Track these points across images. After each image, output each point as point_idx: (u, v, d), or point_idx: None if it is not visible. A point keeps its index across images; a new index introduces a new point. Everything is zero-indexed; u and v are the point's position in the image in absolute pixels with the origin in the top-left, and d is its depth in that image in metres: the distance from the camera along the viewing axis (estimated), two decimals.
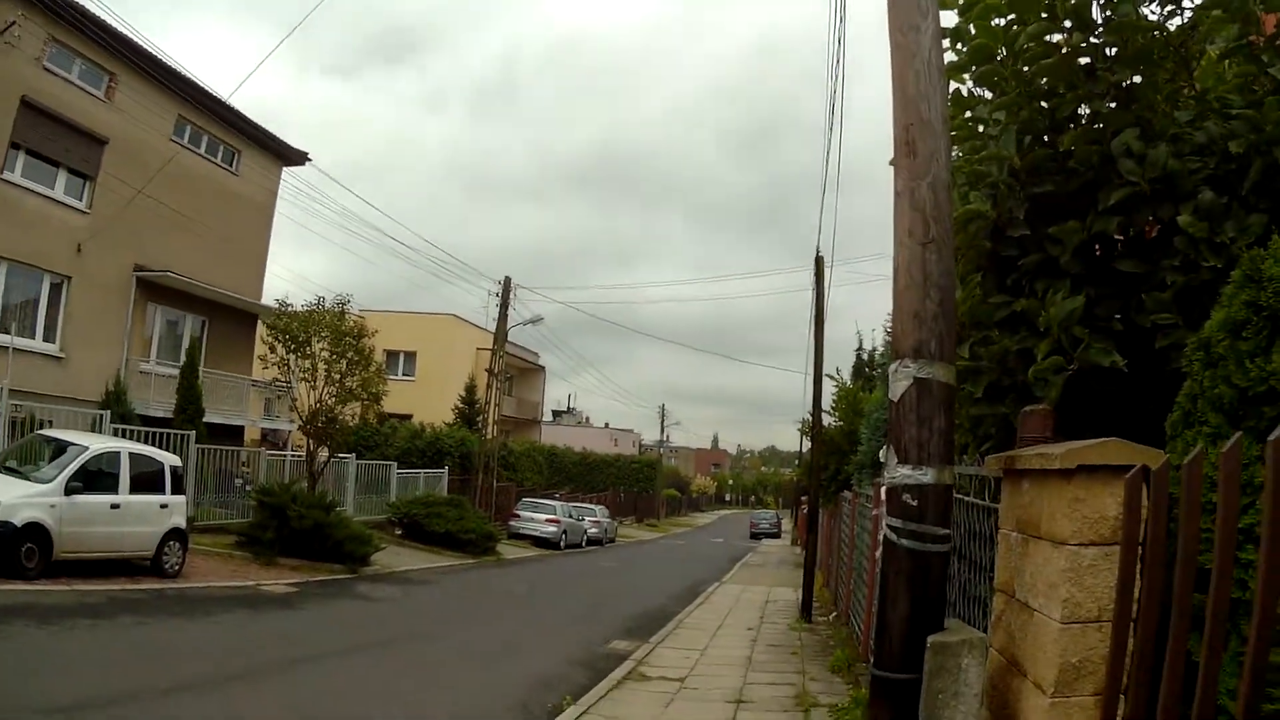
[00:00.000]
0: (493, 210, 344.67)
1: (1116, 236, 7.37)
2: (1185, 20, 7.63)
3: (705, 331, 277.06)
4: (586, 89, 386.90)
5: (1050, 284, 7.04)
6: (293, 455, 35.47)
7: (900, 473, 6.15)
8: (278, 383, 31.70)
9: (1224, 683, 3.82)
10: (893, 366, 6.46)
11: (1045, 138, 7.67)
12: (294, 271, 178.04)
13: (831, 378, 30.15)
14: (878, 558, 7.73)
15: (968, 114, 8.35)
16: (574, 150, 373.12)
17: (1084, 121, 7.56)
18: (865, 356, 42.92)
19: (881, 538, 6.48)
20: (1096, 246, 7.37)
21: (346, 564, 27.51)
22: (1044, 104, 7.69)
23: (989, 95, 8.16)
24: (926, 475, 6.07)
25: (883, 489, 7.14)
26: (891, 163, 6.70)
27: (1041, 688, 4.93)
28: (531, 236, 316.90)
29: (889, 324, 18.04)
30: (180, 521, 22.18)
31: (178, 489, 22.45)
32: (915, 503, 6.08)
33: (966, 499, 7.77)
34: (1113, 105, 7.39)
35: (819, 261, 28.99)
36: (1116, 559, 4.66)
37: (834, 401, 30.14)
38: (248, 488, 31.46)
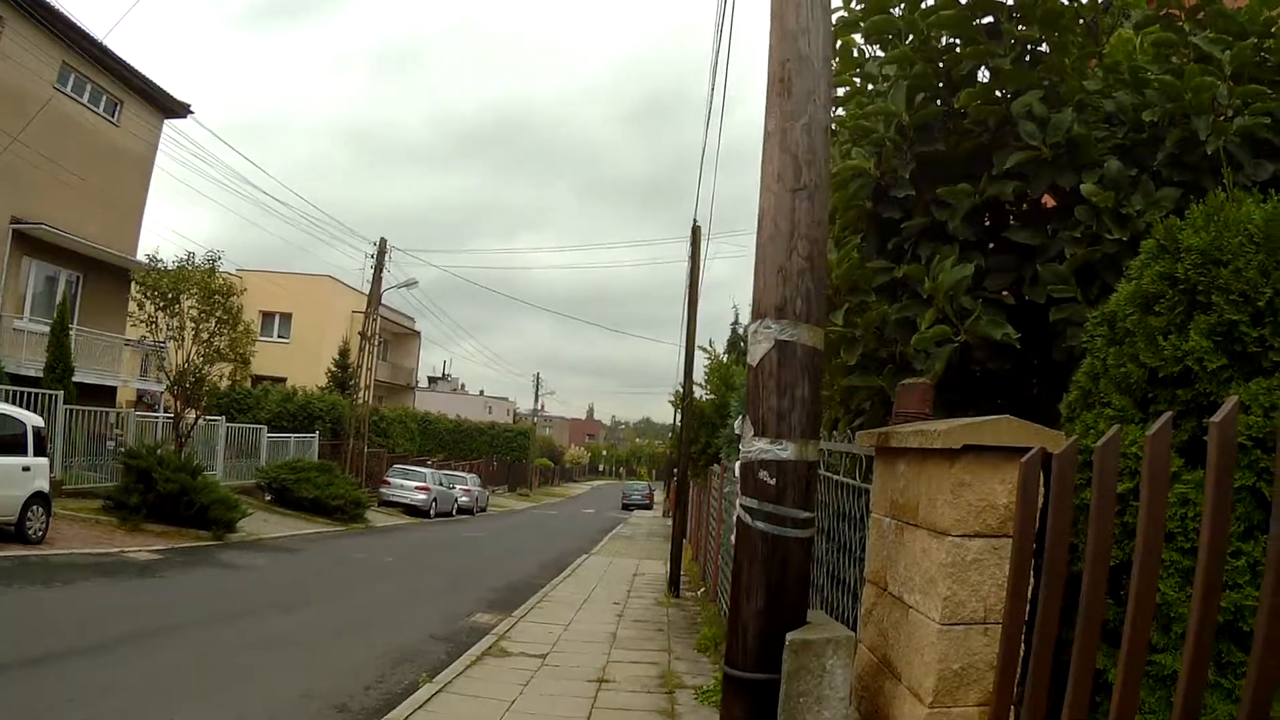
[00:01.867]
0: (385, 175, 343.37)
1: (1010, 205, 7.01)
2: None
3: (585, 302, 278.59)
4: (487, 56, 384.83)
5: (936, 250, 6.58)
6: (164, 417, 34.38)
7: (756, 447, 5.49)
8: (145, 340, 30.74)
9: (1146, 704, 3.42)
10: (752, 327, 5.77)
11: (939, 99, 7.23)
12: (176, 231, 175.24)
13: (704, 350, 29.89)
14: (731, 540, 7.14)
15: (856, 73, 7.89)
16: (469, 117, 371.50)
17: (983, 82, 7.11)
18: (740, 331, 42.66)
19: (735, 520, 5.75)
20: (987, 215, 6.97)
21: (213, 530, 26.71)
22: (940, 63, 7.24)
23: (881, 54, 7.71)
24: (786, 450, 5.40)
25: (735, 465, 6.55)
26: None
27: (918, 695, 4.42)
28: (421, 202, 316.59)
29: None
30: (44, 485, 21.23)
31: (40, 451, 21.44)
32: (773, 481, 5.41)
33: (836, 478, 7.24)
34: (1016, 65, 6.95)
35: (695, 230, 28.63)
36: (1006, 553, 4.19)
37: (706, 374, 29.87)
38: (120, 450, 30.25)
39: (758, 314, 5.63)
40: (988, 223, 6.98)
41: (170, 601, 17.25)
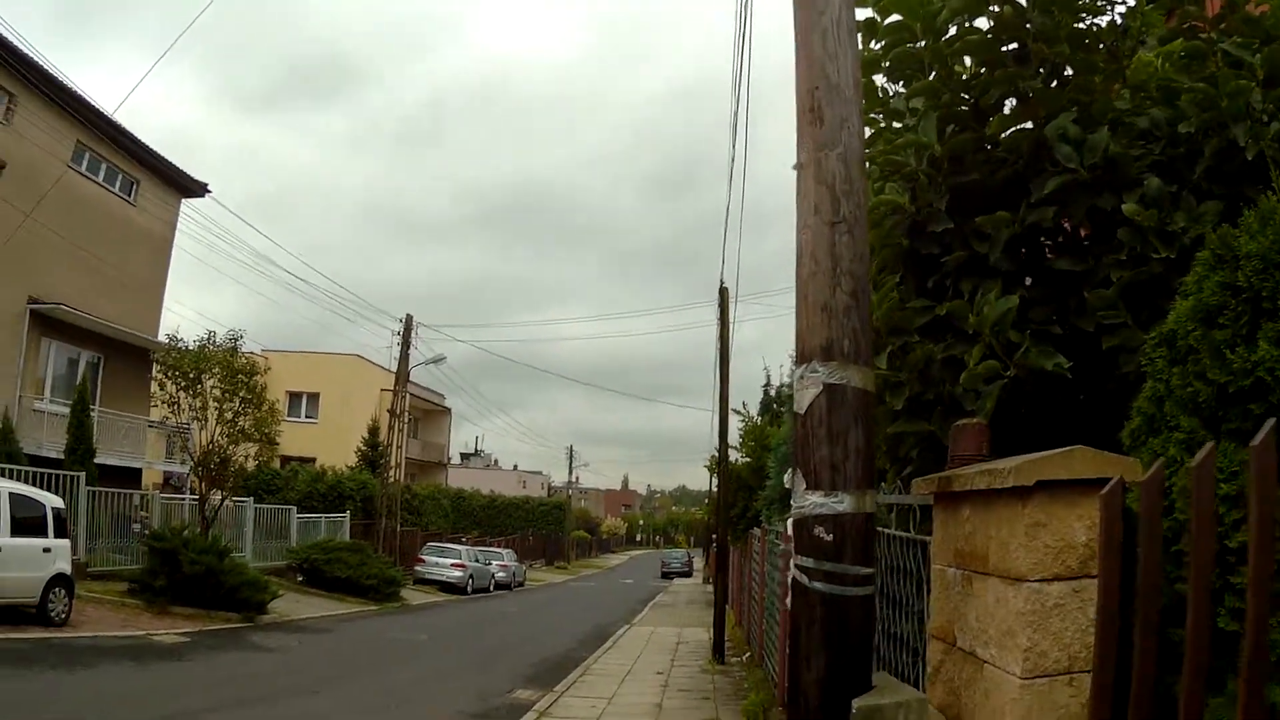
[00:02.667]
0: (408, 251, 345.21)
1: (1046, 235, 6.71)
2: (1115, 22, 6.96)
3: (615, 372, 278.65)
4: (507, 130, 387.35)
5: (978, 284, 6.28)
6: (191, 499, 33.94)
7: (810, 501, 5.07)
8: (168, 422, 30.53)
9: None
10: (797, 373, 5.39)
11: (969, 129, 6.92)
12: (201, 312, 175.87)
13: (738, 413, 29.66)
14: (788, 604, 6.67)
15: (879, 112, 7.60)
16: (492, 191, 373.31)
17: (1014, 108, 6.82)
18: (773, 393, 42.34)
19: (790, 580, 5.38)
20: (1022, 248, 6.65)
21: (242, 612, 26.39)
22: (967, 93, 6.96)
23: (903, 91, 7.43)
24: (842, 503, 5.00)
25: (788, 523, 6.13)
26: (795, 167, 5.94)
27: None
28: (446, 278, 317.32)
29: (793, 378, 17.24)
30: (65, 567, 21.06)
31: (61, 532, 21.33)
32: (830, 537, 5.00)
33: (888, 531, 6.83)
34: (1046, 86, 6.66)
35: (723, 292, 28.35)
36: (1088, 595, 3.82)
37: (741, 437, 29.55)
38: (145, 533, 29.94)
39: (803, 357, 5.28)
40: (1023, 253, 6.67)
41: (196, 685, 16.92)
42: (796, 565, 5.12)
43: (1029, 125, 6.63)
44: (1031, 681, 3.88)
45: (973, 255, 6.49)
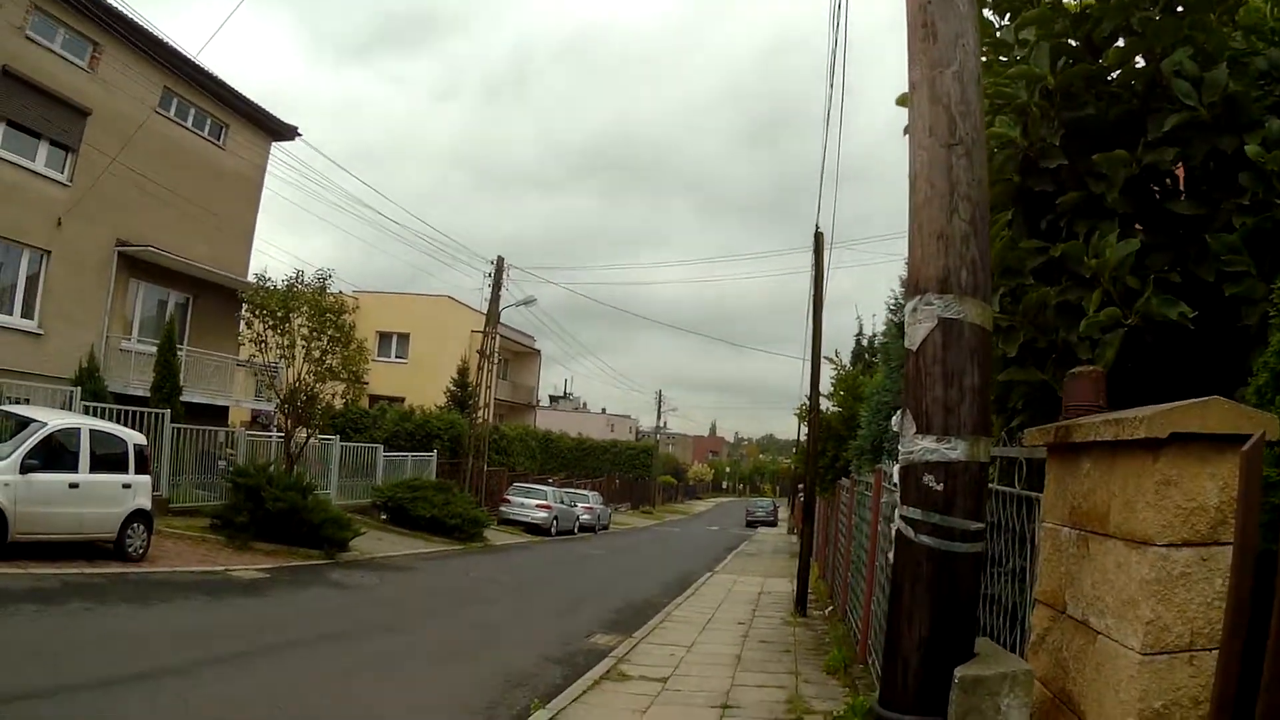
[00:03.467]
0: (500, 198, 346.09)
1: (1160, 183, 6.28)
2: None
3: (706, 319, 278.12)
4: (598, 79, 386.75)
5: (1094, 226, 5.88)
6: (277, 437, 33.93)
7: (920, 446, 4.68)
8: (254, 360, 30.55)
9: None
10: (910, 305, 4.98)
11: (1082, 60, 6.48)
12: (295, 255, 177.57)
13: (831, 360, 29.21)
14: (882, 559, 6.19)
15: (987, 42, 7.15)
16: (583, 139, 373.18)
17: (1132, 38, 6.35)
18: (865, 342, 41.68)
19: (894, 532, 4.91)
20: (1138, 190, 6.22)
21: (324, 549, 26.38)
22: (1078, 26, 6.51)
23: (1011, 24, 7.00)
24: (956, 450, 4.58)
25: (894, 470, 5.65)
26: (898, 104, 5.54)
27: None
28: (538, 225, 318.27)
29: (893, 298, 16.77)
30: (145, 503, 21.14)
31: (142, 469, 21.37)
32: (940, 486, 4.58)
33: (991, 485, 6.46)
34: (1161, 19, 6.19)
35: (818, 237, 27.72)
36: (1216, 565, 3.44)
37: (833, 385, 29.11)
38: (230, 469, 29.97)
39: (915, 289, 4.89)
40: (1141, 196, 6.24)
41: (271, 621, 16.93)
42: (902, 516, 4.73)
43: (1142, 62, 6.28)
44: (1152, 658, 3.51)
45: (1088, 195, 6.10)
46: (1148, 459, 3.59)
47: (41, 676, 11.00)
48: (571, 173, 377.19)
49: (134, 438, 21.61)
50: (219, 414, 36.59)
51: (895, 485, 5.04)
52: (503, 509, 47.80)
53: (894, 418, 5.29)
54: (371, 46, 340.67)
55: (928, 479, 4.63)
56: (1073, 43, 6.55)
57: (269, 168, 40.62)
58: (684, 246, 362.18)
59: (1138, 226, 6.17)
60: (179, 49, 33.11)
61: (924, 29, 4.93)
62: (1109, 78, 6.39)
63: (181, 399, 30.82)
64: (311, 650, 14.71)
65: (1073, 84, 6.36)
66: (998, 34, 7.18)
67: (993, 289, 6.16)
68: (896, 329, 15.77)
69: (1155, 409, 3.62)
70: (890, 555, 4.94)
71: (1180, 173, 6.43)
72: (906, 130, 5.07)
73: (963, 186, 4.78)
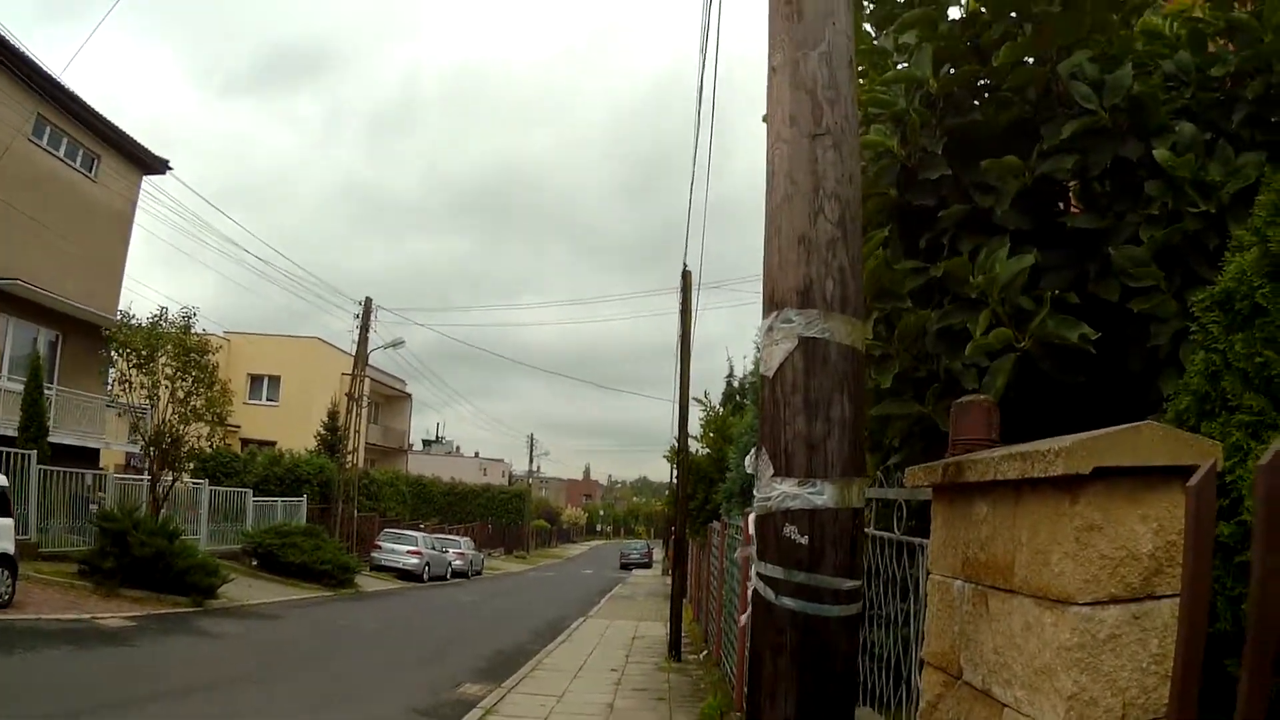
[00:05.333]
0: (382, 239, 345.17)
1: (1054, 196, 5.83)
2: None
3: (580, 362, 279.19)
4: (481, 120, 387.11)
5: (981, 244, 5.33)
6: (147, 480, 32.95)
7: (779, 491, 3.96)
8: (119, 400, 29.63)
9: None
10: (765, 323, 4.26)
11: (968, 63, 6.01)
12: (169, 297, 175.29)
13: (700, 401, 28.81)
14: (743, 622, 5.40)
15: (863, 63, 6.65)
16: (465, 180, 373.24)
17: (1024, 37, 5.88)
18: (735, 384, 41.50)
19: (750, 593, 4.20)
20: (1031, 204, 5.74)
21: (191, 596, 25.60)
22: (964, 29, 6.04)
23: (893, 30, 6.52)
24: (823, 494, 3.89)
25: (748, 519, 4.85)
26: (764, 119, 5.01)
27: None
28: (415, 265, 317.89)
29: (758, 337, 16.31)
30: (9, 546, 20.19)
31: (4, 511, 20.51)
32: (805, 539, 3.89)
33: (866, 530, 5.85)
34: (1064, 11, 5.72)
35: (686, 275, 27.47)
36: (1150, 623, 2.88)
37: (702, 427, 28.74)
38: (98, 514, 29.15)
39: (772, 304, 4.19)
40: (1034, 209, 5.76)
41: (136, 672, 16.12)
42: (760, 574, 4.02)
43: (1035, 64, 5.79)
44: None
45: (974, 210, 5.59)
46: (1063, 500, 2.99)
47: None
48: (452, 214, 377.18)
49: None
50: (90, 456, 35.53)
51: (747, 537, 4.36)
52: (374, 555, 47.14)
53: (747, 458, 4.51)
54: (258, 82, 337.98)
55: (789, 530, 3.93)
56: (962, 45, 6.08)
57: (141, 203, 39.75)
58: (562, 290, 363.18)
59: (1028, 245, 5.69)
60: (51, 74, 32.03)
61: (787, 5, 4.30)
62: (998, 84, 5.90)
63: (50, 440, 29.70)
64: (173, 703, 14.06)
65: (958, 88, 5.89)
66: (875, 42, 6.71)
67: (867, 312, 5.55)
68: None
69: (1074, 438, 3.01)
70: (743, 619, 4.30)
71: (1072, 188, 5.99)
72: (765, 118, 4.46)
73: (829, 183, 4.12)
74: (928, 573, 4.33)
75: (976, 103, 6.01)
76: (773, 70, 4.37)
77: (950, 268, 5.32)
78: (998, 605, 3.40)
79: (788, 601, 3.88)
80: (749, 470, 4.29)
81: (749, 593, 4.15)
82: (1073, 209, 5.84)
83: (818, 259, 4.04)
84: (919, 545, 4.69)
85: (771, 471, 4.02)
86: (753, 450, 4.27)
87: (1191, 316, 3.92)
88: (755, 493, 4.20)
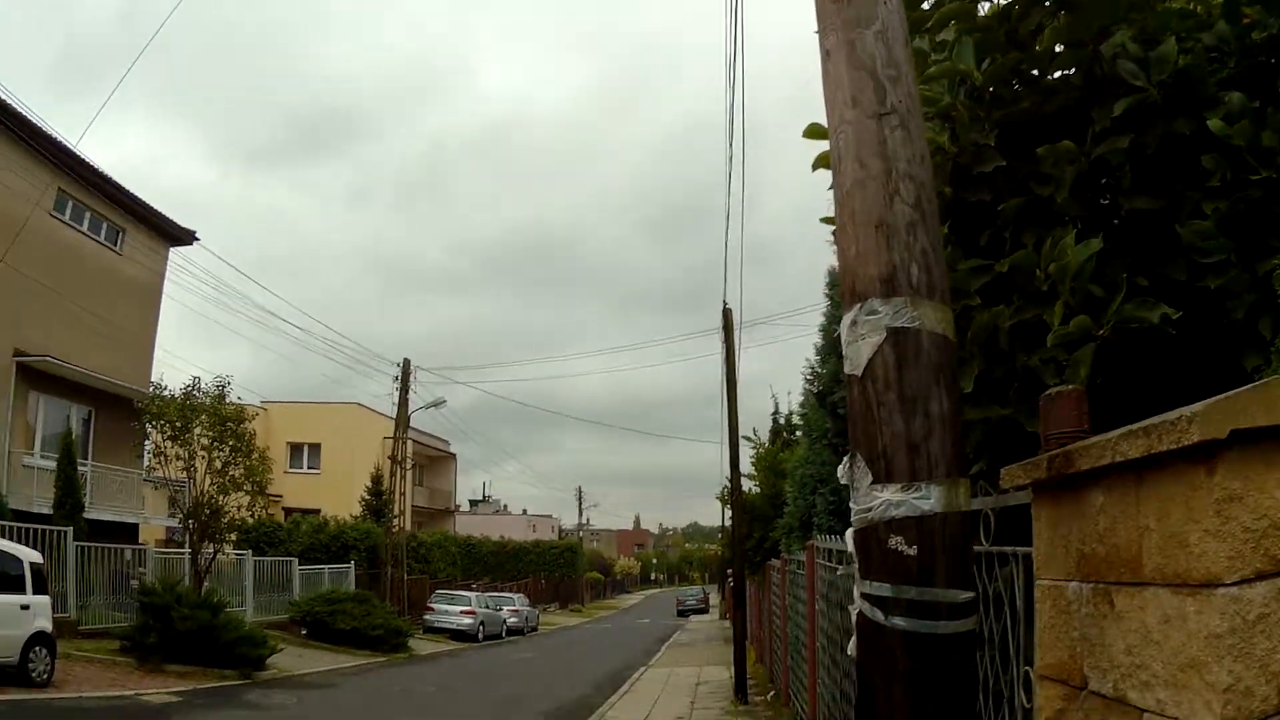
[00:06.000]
0: (415, 301, 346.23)
1: (1109, 179, 5.51)
2: None
3: (623, 413, 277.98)
4: (509, 179, 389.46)
5: (1042, 234, 5.02)
6: (189, 553, 32.79)
7: (881, 499, 3.63)
8: (154, 473, 29.55)
9: None
10: (848, 317, 3.93)
11: (1010, 52, 5.75)
12: (205, 369, 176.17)
13: (749, 439, 28.53)
14: (825, 654, 4.95)
15: None
16: (496, 239, 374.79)
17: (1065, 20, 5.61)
18: (782, 420, 41.15)
19: (856, 618, 3.85)
20: (1088, 190, 5.44)
21: (239, 668, 25.40)
22: (1004, 19, 5.78)
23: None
24: (929, 499, 3.56)
25: (845, 538, 4.38)
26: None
27: None
28: (452, 327, 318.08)
29: (809, 367, 16.03)
30: (45, 624, 20.05)
31: (40, 589, 20.36)
32: (914, 550, 3.56)
33: None
34: None
35: (727, 313, 27.22)
36: None
37: (753, 465, 28.40)
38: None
39: (854, 296, 3.89)
40: (1091, 195, 5.46)
41: None
42: (865, 595, 3.70)
43: (1076, 47, 5.45)
44: None
45: (1032, 199, 5.28)
46: (1198, 472, 2.65)
47: None
48: (485, 273, 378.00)
49: (29, 556, 20.63)
50: (129, 532, 35.29)
51: (842, 557, 3.99)
52: (427, 617, 46.96)
53: (840, 468, 4.13)
54: (281, 153, 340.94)
55: (895, 541, 3.60)
56: (997, 39, 5.81)
57: (171, 275, 39.93)
58: (599, 342, 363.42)
59: (1089, 232, 5.40)
60: (70, 146, 31.87)
61: None
62: (1042, 72, 5.63)
63: (86, 516, 29.59)
64: None
65: (1003, 78, 5.61)
66: (913, 42, 6.46)
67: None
68: (814, 398, 15.04)
69: (1205, 403, 2.68)
70: (851, 647, 3.94)
71: (1125, 174, 5.69)
72: (826, 98, 4.18)
73: (901, 164, 3.86)
74: (1032, 581, 3.98)
75: (1021, 90, 5.74)
76: (826, 54, 4.13)
77: (1017, 260, 5.02)
78: (1125, 602, 3.05)
79: (899, 622, 3.57)
80: (842, 480, 3.96)
81: (854, 617, 3.80)
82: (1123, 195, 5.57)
83: (899, 244, 3.78)
84: (1014, 554, 4.35)
85: (870, 479, 3.71)
86: (845, 460, 3.94)
87: (1265, 288, 3.66)
88: (852, 505, 3.89)
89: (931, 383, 3.70)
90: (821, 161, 6.03)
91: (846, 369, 3.91)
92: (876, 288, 3.79)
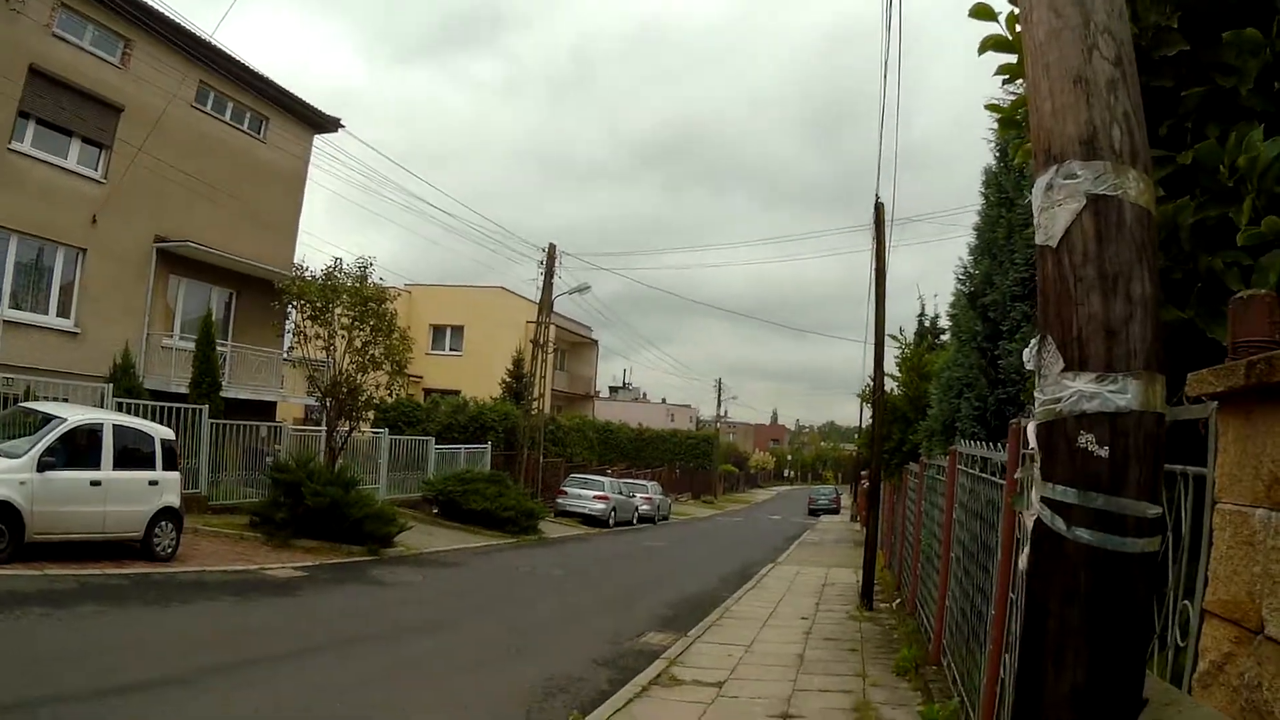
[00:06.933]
0: (566, 194, 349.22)
1: None
2: None
3: (766, 307, 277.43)
4: (661, 72, 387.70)
5: (1226, 128, 4.54)
6: (325, 430, 33.12)
7: (1072, 389, 3.17)
8: (293, 352, 29.82)
9: None
10: (1041, 180, 3.42)
11: None
12: (351, 254, 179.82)
13: (895, 338, 27.86)
14: (1019, 564, 4.35)
15: None
16: (647, 132, 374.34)
17: None
18: (928, 324, 40.39)
19: (1032, 525, 3.34)
20: (1275, 84, 4.87)
21: (367, 545, 25.67)
22: None
23: None
24: (1126, 393, 3.09)
25: (1026, 428, 3.78)
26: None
27: None
28: (602, 218, 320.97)
29: (961, 267, 15.42)
30: (174, 500, 20.39)
31: (170, 465, 20.63)
32: (1105, 451, 3.08)
33: None
34: None
35: (879, 207, 26.37)
36: None
37: (897, 365, 27.77)
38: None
39: (1048, 157, 3.41)
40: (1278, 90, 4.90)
41: (299, 623, 16.02)
42: (1046, 499, 3.21)
43: None
44: None
45: (1215, 90, 4.77)
46: None
47: (30, 685, 10.13)
48: (635, 166, 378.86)
49: (161, 433, 20.87)
50: (267, 410, 36.20)
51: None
52: (559, 501, 47.28)
53: (1025, 352, 3.64)
54: (435, 47, 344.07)
55: (1084, 439, 3.11)
56: None
57: (319, 162, 40.43)
58: (746, 237, 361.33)
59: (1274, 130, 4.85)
60: (214, 42, 32.67)
61: None
62: None
63: (224, 395, 30.29)
64: (335, 656, 13.66)
65: None
66: None
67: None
68: (966, 299, 14.48)
69: None
70: (1023, 560, 3.47)
71: None
72: None
73: (1100, 16, 3.37)
74: (1201, 505, 3.53)
75: None
76: None
77: (1201, 151, 4.53)
78: None
79: (1083, 534, 3.11)
80: (1028, 366, 3.49)
81: (1028, 524, 3.33)
82: None
83: (1099, 102, 3.29)
84: (1182, 474, 3.89)
85: (1061, 365, 3.25)
86: (1032, 343, 3.47)
87: None
88: (1038, 394, 3.41)
89: (1134, 260, 3.22)
90: (989, 44, 5.58)
91: (1039, 239, 3.41)
92: (1076, 149, 3.32)
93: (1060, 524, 3.14)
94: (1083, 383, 3.14)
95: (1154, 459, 3.12)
